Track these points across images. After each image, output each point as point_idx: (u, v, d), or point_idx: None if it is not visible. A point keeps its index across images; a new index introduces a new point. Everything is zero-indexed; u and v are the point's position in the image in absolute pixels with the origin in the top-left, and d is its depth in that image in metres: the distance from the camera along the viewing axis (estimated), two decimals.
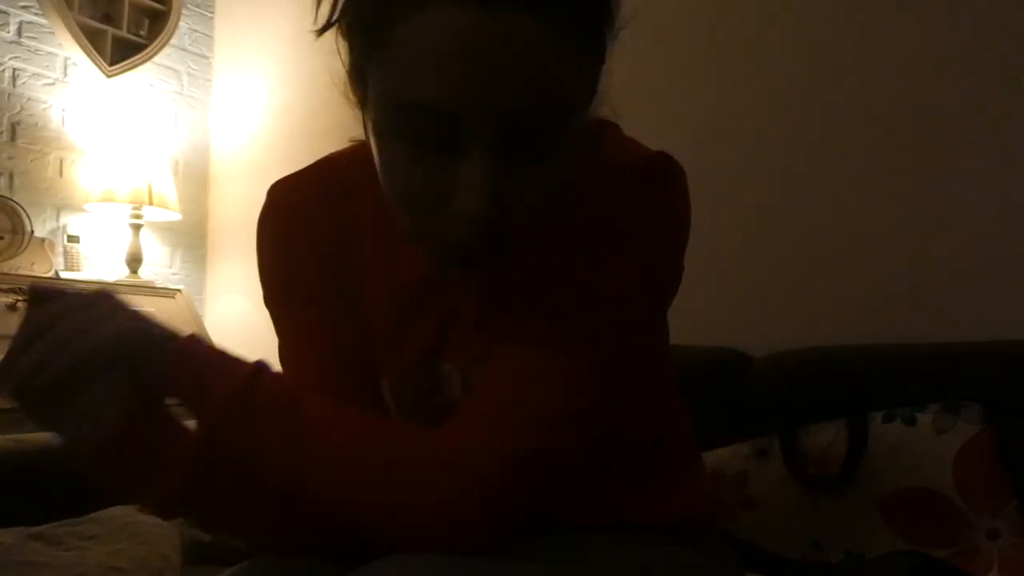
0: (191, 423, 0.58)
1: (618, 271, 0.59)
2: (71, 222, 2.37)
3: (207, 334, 2.30)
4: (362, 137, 0.63)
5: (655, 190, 0.60)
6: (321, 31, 0.58)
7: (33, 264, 2.14)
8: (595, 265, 0.59)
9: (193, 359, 0.57)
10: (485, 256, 0.55)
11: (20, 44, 2.28)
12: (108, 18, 2.46)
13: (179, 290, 2.38)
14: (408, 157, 0.53)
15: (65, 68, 2.38)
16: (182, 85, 2.73)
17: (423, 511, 0.53)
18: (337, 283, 0.67)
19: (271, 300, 0.70)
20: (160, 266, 2.61)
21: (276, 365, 0.69)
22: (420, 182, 0.52)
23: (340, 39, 0.57)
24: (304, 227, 0.68)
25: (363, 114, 0.58)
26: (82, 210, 2.38)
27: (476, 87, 0.48)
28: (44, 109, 2.33)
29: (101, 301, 0.55)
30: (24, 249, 2.10)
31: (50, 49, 2.35)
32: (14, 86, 2.27)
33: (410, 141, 0.52)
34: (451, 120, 0.50)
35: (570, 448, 0.57)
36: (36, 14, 2.32)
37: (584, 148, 0.62)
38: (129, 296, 2.20)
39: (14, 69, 2.27)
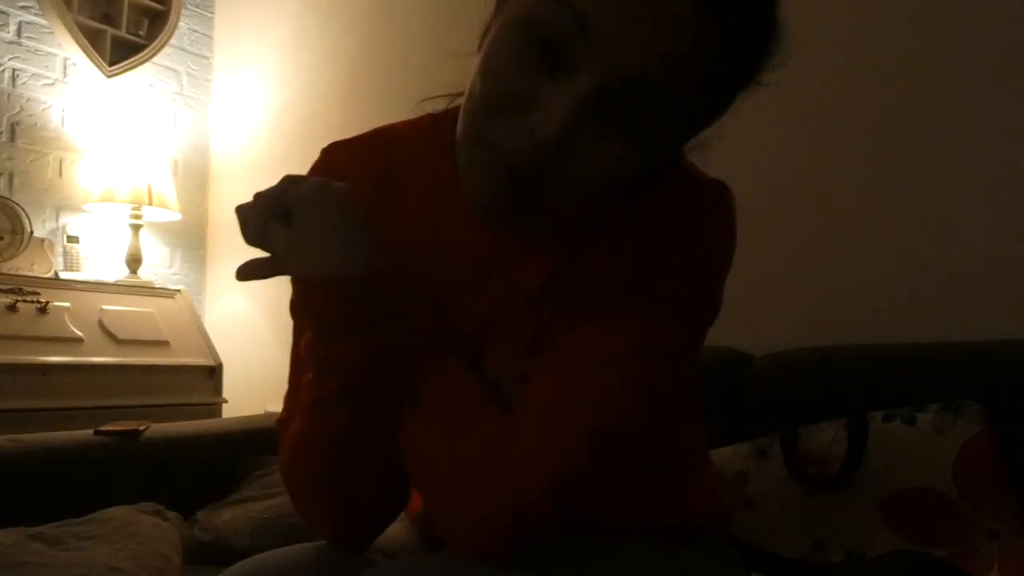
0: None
1: (671, 293, 0.58)
2: (71, 222, 2.37)
3: (207, 334, 2.30)
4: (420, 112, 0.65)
5: (714, 219, 0.61)
6: None
7: (33, 264, 2.14)
8: (648, 285, 0.58)
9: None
10: (516, 199, 0.54)
11: (20, 44, 2.29)
12: (108, 18, 2.46)
13: (179, 290, 2.38)
14: (519, 52, 0.52)
15: (65, 68, 2.38)
16: (182, 85, 2.73)
17: (461, 514, 0.54)
18: None
19: None
20: (160, 266, 2.61)
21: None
22: (513, 81, 0.52)
23: None
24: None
25: (492, 19, 0.57)
26: (82, 210, 2.38)
27: (628, 17, 0.48)
28: (44, 109, 2.33)
29: None
30: (24, 249, 2.10)
31: (50, 49, 2.35)
32: (14, 86, 2.27)
33: (531, 40, 0.51)
34: (582, 34, 0.49)
35: (611, 467, 0.57)
36: (36, 14, 2.32)
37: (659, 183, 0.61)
38: (128, 296, 2.21)
39: (14, 69, 2.27)
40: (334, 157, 0.70)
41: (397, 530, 0.73)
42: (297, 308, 0.62)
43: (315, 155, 0.72)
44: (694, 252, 0.59)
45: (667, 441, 0.69)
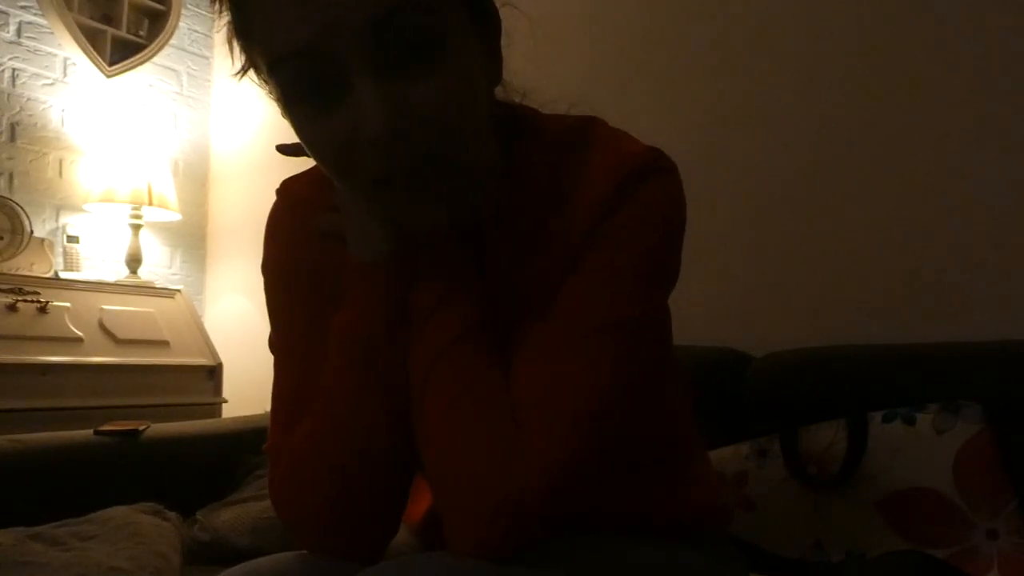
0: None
1: (620, 269, 0.58)
2: (71, 222, 2.37)
3: (207, 334, 2.30)
4: None
5: (652, 187, 0.60)
6: (241, 73, 0.63)
7: (32, 264, 2.14)
8: (596, 265, 0.59)
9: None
10: (424, 183, 0.54)
11: (20, 44, 2.28)
12: (108, 18, 2.46)
13: (179, 290, 2.38)
14: (312, 116, 0.54)
15: (65, 68, 2.38)
16: (182, 85, 2.73)
17: (466, 509, 0.54)
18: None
19: (276, 287, 0.70)
20: (160, 266, 2.60)
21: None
22: (333, 134, 0.53)
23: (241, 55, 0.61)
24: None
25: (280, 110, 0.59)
26: (82, 210, 2.38)
27: (317, 13, 0.49)
28: (44, 109, 2.33)
29: None
30: (23, 249, 2.10)
31: (50, 49, 2.35)
32: (14, 86, 2.27)
33: (304, 99, 0.54)
34: (319, 57, 0.51)
35: (606, 448, 0.57)
36: (36, 14, 2.32)
37: (569, 141, 0.62)
38: (128, 296, 2.20)
39: (14, 69, 2.27)
40: (294, 189, 0.71)
41: (395, 537, 0.73)
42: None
43: None
44: (634, 220, 0.59)
45: (657, 425, 0.70)
